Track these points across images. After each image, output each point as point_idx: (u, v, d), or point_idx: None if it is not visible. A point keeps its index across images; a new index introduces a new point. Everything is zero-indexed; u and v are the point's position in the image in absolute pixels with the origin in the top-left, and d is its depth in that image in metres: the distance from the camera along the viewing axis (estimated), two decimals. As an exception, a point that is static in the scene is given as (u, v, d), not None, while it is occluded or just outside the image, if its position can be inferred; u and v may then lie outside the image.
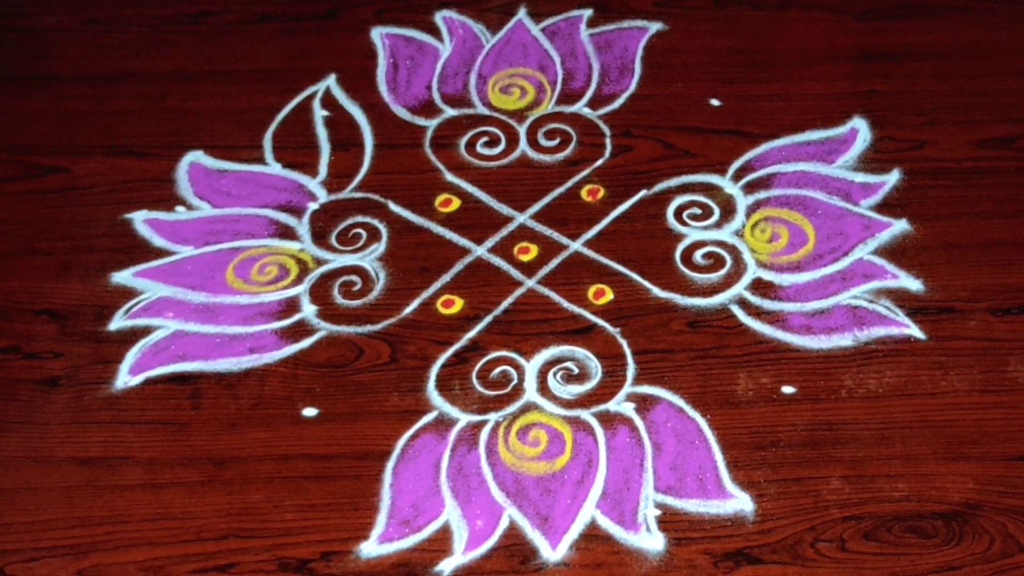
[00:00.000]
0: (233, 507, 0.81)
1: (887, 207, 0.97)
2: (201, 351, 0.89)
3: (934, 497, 0.81)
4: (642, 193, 0.98)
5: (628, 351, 0.89)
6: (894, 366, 0.87)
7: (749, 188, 0.98)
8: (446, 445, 0.84)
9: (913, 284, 0.92)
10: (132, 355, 0.89)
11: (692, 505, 0.81)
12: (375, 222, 0.97)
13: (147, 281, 0.93)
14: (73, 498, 0.82)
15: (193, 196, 0.99)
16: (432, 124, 1.04)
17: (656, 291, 0.92)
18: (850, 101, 1.04)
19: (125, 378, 0.88)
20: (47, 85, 1.07)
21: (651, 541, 0.79)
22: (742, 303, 0.91)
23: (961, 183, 0.98)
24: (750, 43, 1.09)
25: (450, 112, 1.05)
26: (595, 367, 0.88)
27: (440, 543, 0.79)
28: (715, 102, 1.05)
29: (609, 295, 0.92)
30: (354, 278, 0.93)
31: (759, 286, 0.92)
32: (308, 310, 0.91)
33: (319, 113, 1.04)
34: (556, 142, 1.02)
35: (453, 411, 0.86)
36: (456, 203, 0.98)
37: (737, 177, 0.99)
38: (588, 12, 1.12)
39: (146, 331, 0.90)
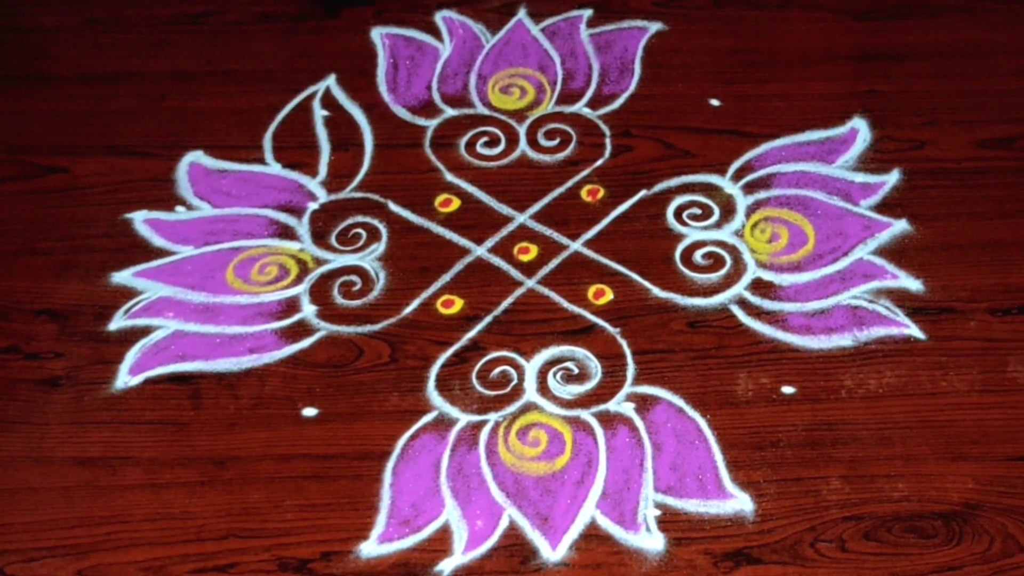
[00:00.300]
0: (233, 507, 0.81)
1: (887, 207, 0.97)
2: (201, 351, 0.89)
3: (934, 497, 0.81)
4: (642, 193, 0.98)
5: (628, 351, 0.89)
6: (894, 366, 0.87)
7: (749, 188, 0.98)
8: (446, 445, 0.84)
9: (913, 284, 0.92)
10: (132, 355, 0.89)
11: (692, 505, 0.81)
12: (375, 222, 0.97)
13: (147, 281, 0.93)
14: (73, 498, 0.82)
15: (193, 196, 0.99)
16: (432, 124, 1.04)
17: (656, 291, 0.92)
18: (850, 101, 1.04)
19: (125, 378, 0.88)
20: (47, 85, 1.07)
21: (651, 541, 0.79)
22: (742, 303, 0.91)
23: (961, 183, 0.98)
24: (750, 43, 1.09)
25: (450, 112, 1.05)
26: (595, 367, 0.88)
27: (440, 543, 0.79)
28: (715, 102, 1.05)
29: (609, 295, 0.92)
30: (354, 278, 0.93)
31: (759, 286, 0.92)
32: (308, 310, 0.91)
33: (319, 113, 1.04)
34: (556, 142, 1.02)
35: (453, 411, 0.86)
36: (456, 203, 0.98)
37: (737, 177, 0.99)
38: (588, 12, 1.12)
39: (146, 331, 0.90)
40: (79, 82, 1.07)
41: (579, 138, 1.02)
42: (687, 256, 0.94)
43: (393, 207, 0.98)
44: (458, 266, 0.94)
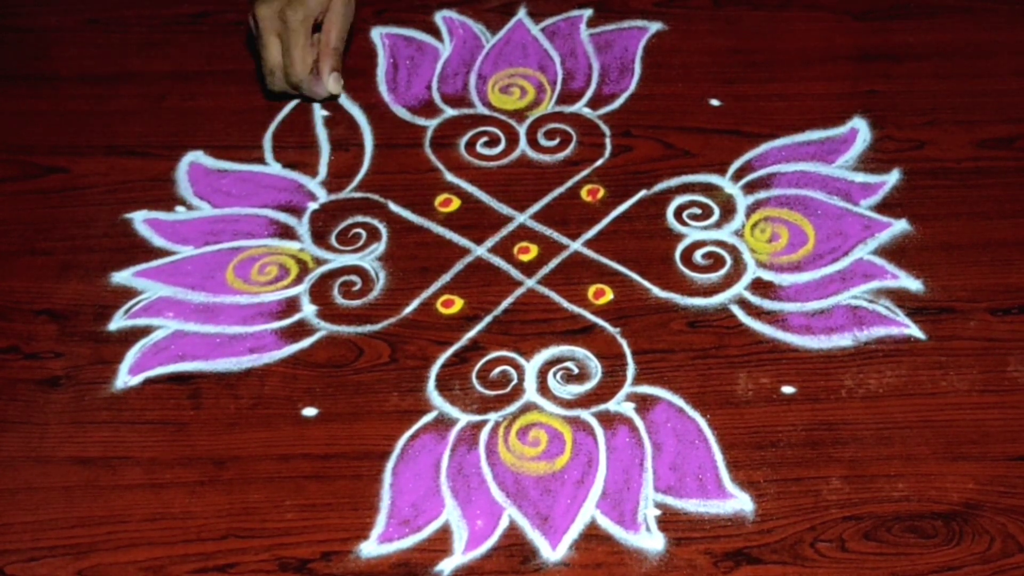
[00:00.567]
0: (233, 507, 0.81)
1: (887, 207, 0.97)
2: (201, 351, 0.89)
3: (934, 497, 0.81)
4: (642, 193, 0.98)
5: (628, 351, 0.89)
6: (894, 366, 0.87)
7: (749, 188, 0.98)
8: (446, 445, 0.84)
9: (913, 284, 0.92)
10: (132, 355, 0.89)
11: (692, 505, 0.81)
12: (375, 222, 0.97)
13: (147, 281, 0.93)
14: (73, 498, 0.82)
15: (193, 196, 0.99)
16: (432, 124, 1.04)
17: (656, 291, 0.92)
18: (850, 101, 1.04)
19: (125, 378, 0.88)
20: (47, 85, 1.07)
21: (651, 541, 0.79)
22: (742, 303, 0.91)
23: (961, 183, 0.98)
24: (750, 43, 1.09)
25: (450, 112, 1.05)
26: (595, 367, 0.88)
27: (440, 543, 0.79)
28: (715, 102, 1.05)
29: (609, 295, 0.92)
30: (354, 278, 0.93)
31: (759, 286, 0.92)
32: (308, 310, 0.91)
33: (319, 113, 1.05)
34: (556, 142, 1.02)
35: (453, 411, 0.86)
36: (456, 203, 0.98)
37: (737, 177, 0.99)
38: (588, 12, 1.12)
39: (146, 331, 0.90)
40: (79, 82, 1.07)
41: (579, 138, 1.02)
42: (687, 256, 0.94)
43: (393, 207, 0.98)
44: (458, 266, 0.94)
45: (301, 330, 0.90)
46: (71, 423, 0.85)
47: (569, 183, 0.99)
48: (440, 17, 1.12)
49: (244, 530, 0.80)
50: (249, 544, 0.80)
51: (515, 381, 0.87)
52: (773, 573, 0.78)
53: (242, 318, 0.91)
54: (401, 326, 0.91)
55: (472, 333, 0.90)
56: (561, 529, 0.80)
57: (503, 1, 1.13)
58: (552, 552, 0.79)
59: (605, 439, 0.84)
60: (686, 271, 0.93)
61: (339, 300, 0.92)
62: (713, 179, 0.99)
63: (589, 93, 1.06)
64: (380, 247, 0.95)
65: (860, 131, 1.02)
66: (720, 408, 0.85)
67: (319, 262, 0.95)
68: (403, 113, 1.05)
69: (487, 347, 0.89)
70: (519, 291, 0.92)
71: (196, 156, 1.01)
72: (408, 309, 0.91)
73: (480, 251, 0.95)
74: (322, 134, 1.03)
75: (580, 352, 0.89)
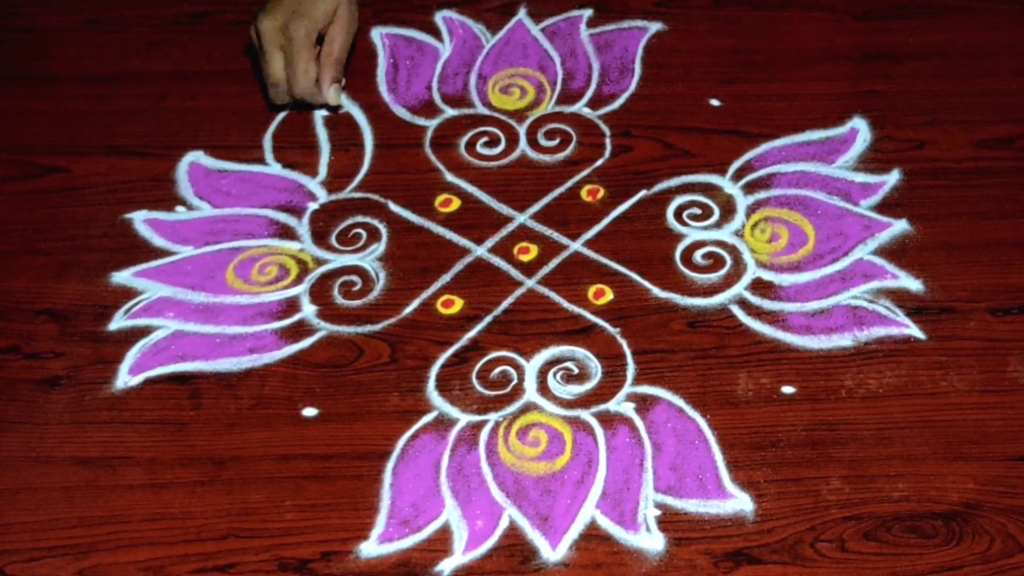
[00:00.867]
0: (233, 507, 0.81)
1: (887, 207, 0.97)
2: (201, 351, 0.89)
3: (934, 497, 0.81)
4: (642, 193, 0.98)
5: (628, 351, 0.89)
6: (894, 366, 0.87)
7: (749, 188, 0.98)
8: (446, 445, 0.84)
9: (913, 284, 0.92)
10: (132, 355, 0.89)
11: (692, 505, 0.81)
12: (375, 222, 0.97)
13: (147, 281, 0.93)
14: (73, 498, 0.82)
15: (193, 196, 0.99)
16: (432, 124, 1.04)
17: (656, 291, 0.92)
18: (850, 101, 1.04)
19: (125, 378, 0.88)
20: (47, 85, 1.07)
21: (651, 541, 0.79)
22: (742, 303, 0.91)
23: (961, 183, 0.98)
24: (750, 43, 1.09)
25: (450, 112, 1.05)
26: (595, 367, 0.88)
27: (440, 543, 0.79)
28: (715, 102, 1.05)
29: (609, 295, 0.92)
30: (354, 278, 0.93)
31: (759, 286, 0.92)
32: (308, 310, 0.91)
33: (319, 113, 1.04)
34: (556, 142, 1.02)
35: (453, 411, 0.86)
36: (456, 203, 0.98)
37: (737, 177, 0.99)
38: (588, 12, 1.12)
39: (146, 331, 0.90)
40: (79, 82, 1.07)
41: (579, 138, 1.02)
42: (687, 256, 0.94)
43: (393, 207, 0.98)
44: (458, 266, 0.94)
45: (301, 330, 0.90)
46: (71, 423, 0.85)
47: (569, 183, 0.99)
48: (440, 17, 1.12)
49: (244, 530, 0.80)
50: (249, 544, 0.80)
51: (515, 381, 0.87)
52: (773, 573, 0.78)
53: (242, 318, 0.91)
54: (401, 326, 0.91)
55: (472, 333, 0.90)
56: (561, 529, 0.80)
57: (503, 1, 1.13)
58: (552, 552, 0.79)
59: (605, 439, 0.84)
60: (686, 271, 0.93)
61: (339, 300, 0.92)
62: (713, 179, 0.99)
63: (589, 93, 1.06)
64: (380, 247, 0.95)
65: (860, 131, 1.02)
66: (720, 408, 0.85)
67: (319, 262, 0.95)
68: (403, 113, 1.05)
69: (487, 347, 0.89)
70: (519, 291, 0.92)
71: (196, 156, 1.01)
72: (408, 309, 0.91)
73: (480, 251, 0.95)
74: (322, 134, 1.03)
75: (580, 352, 0.89)
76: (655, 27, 1.11)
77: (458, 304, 0.92)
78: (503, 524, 0.80)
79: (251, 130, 1.03)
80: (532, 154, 1.01)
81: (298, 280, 0.93)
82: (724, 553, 0.79)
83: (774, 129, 1.02)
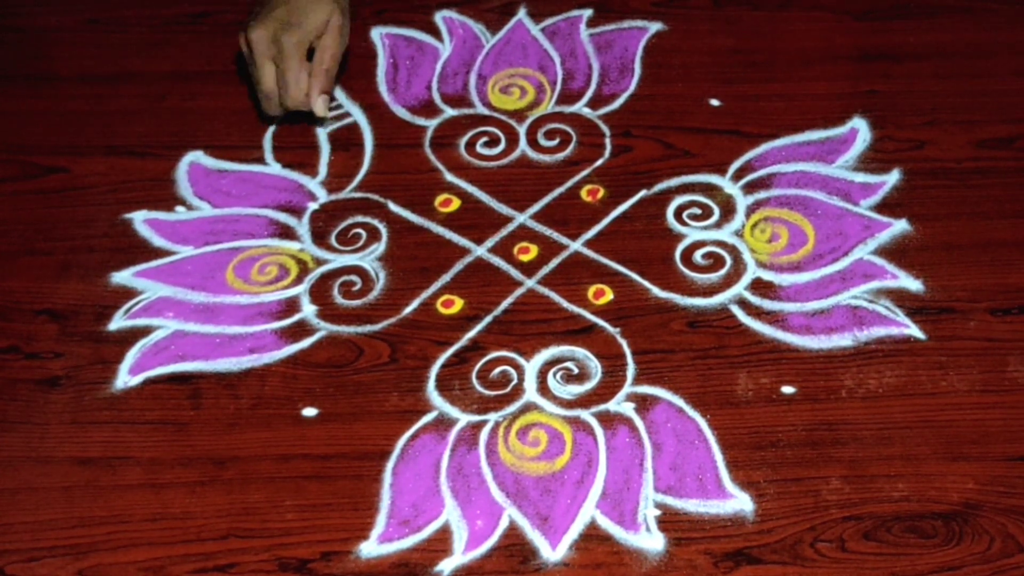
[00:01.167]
0: (233, 507, 0.81)
1: (887, 207, 0.97)
2: (201, 351, 0.89)
3: (934, 497, 0.81)
4: (642, 193, 0.98)
5: (628, 351, 0.89)
6: (894, 366, 0.87)
7: (749, 188, 0.98)
8: (446, 445, 0.84)
9: (913, 284, 0.92)
10: (132, 355, 0.89)
11: (692, 505, 0.81)
12: (375, 222, 0.97)
13: (147, 281, 0.93)
14: (73, 498, 0.82)
15: (193, 196, 0.99)
16: (432, 124, 1.04)
17: (656, 291, 0.92)
18: (850, 101, 1.04)
19: (125, 378, 0.88)
20: (47, 85, 1.07)
21: (651, 541, 0.79)
22: (742, 303, 0.91)
23: (961, 183, 0.98)
24: (750, 43, 1.09)
25: (450, 112, 1.05)
26: (595, 367, 0.88)
27: (440, 543, 0.79)
28: (715, 102, 1.05)
29: (609, 295, 0.92)
30: (354, 278, 0.93)
31: (759, 286, 0.92)
32: (308, 310, 0.91)
33: (319, 113, 1.04)
34: (556, 142, 1.02)
35: (453, 411, 0.86)
36: (456, 203, 0.98)
37: (737, 177, 0.99)
38: (588, 12, 1.12)
39: (146, 331, 0.90)
40: (79, 82, 1.07)
41: (579, 138, 1.02)
42: (687, 256, 0.94)
43: (393, 207, 0.98)
44: (458, 266, 0.94)
45: (301, 330, 0.90)
46: (71, 423, 0.85)
47: (569, 183, 0.99)
48: (440, 17, 1.12)
49: (244, 530, 0.80)
50: (249, 544, 0.80)
51: (515, 381, 0.87)
52: (773, 573, 0.78)
53: (242, 318, 0.91)
54: (401, 326, 0.91)
55: (472, 333, 0.90)
56: (561, 529, 0.80)
57: (503, 1, 1.13)
58: (552, 552, 0.79)
59: (605, 439, 0.84)
60: (686, 271, 0.93)
61: (339, 300, 0.92)
62: (713, 179, 0.99)
63: (589, 93, 1.06)
64: (380, 247, 0.95)
65: (860, 131, 1.02)
66: (720, 408, 0.85)
67: (319, 262, 0.95)
68: (403, 113, 1.05)
69: (487, 347, 0.89)
70: (519, 291, 0.92)
71: (196, 156, 1.01)
72: (408, 309, 0.91)
73: (480, 251, 0.95)
74: (322, 134, 1.03)
75: (580, 352, 0.89)
76: (655, 27, 1.11)
77: (458, 304, 0.92)
78: (503, 524, 0.80)
79: (251, 130, 1.03)
80: (532, 154, 1.01)
81: (298, 280, 0.93)
82: (724, 553, 0.79)
83: (774, 129, 1.02)
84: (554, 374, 0.87)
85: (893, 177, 0.99)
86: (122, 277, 0.93)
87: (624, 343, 0.89)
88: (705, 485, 0.82)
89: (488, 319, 0.91)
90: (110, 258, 0.95)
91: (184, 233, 0.96)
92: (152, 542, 0.80)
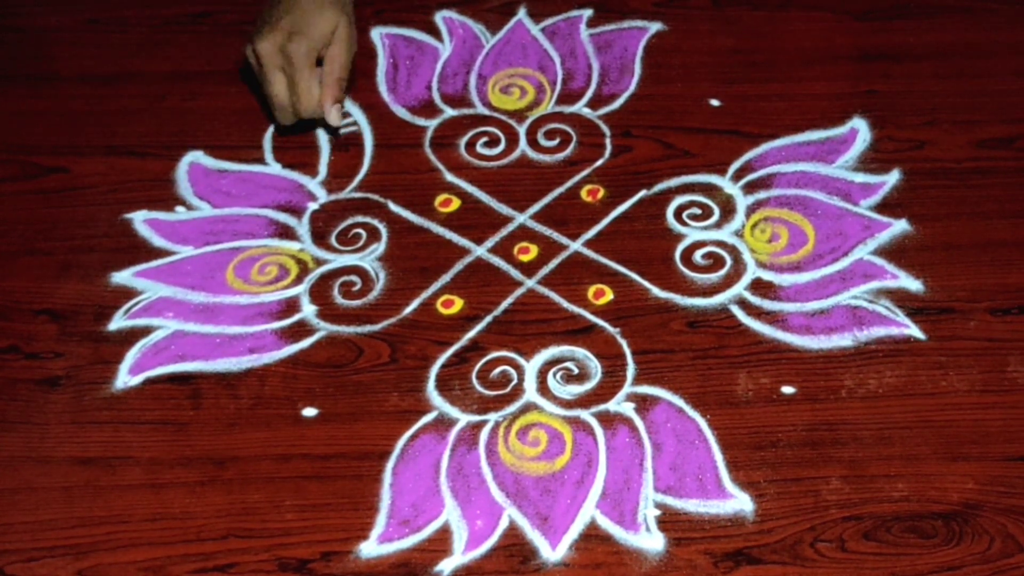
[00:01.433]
0: (233, 507, 0.81)
1: (887, 207, 0.97)
2: (201, 351, 0.89)
3: (934, 497, 0.81)
4: (642, 193, 0.98)
5: (628, 351, 0.89)
6: (894, 366, 0.87)
7: (749, 188, 0.98)
8: (446, 445, 0.84)
9: (913, 284, 0.92)
10: (132, 355, 0.89)
11: (692, 505, 0.81)
12: (375, 222, 0.97)
13: (147, 281, 0.93)
14: (73, 498, 0.82)
15: (193, 196, 0.99)
16: (432, 124, 1.04)
17: (656, 291, 0.92)
18: (850, 101, 1.04)
19: (125, 378, 0.88)
20: (47, 85, 1.07)
21: (651, 541, 0.79)
22: (742, 303, 0.91)
23: (961, 183, 0.98)
24: (750, 43, 1.09)
25: (450, 112, 1.05)
26: (595, 367, 0.88)
27: (440, 543, 0.80)
28: (715, 102, 1.05)
29: (609, 295, 0.92)
30: (354, 278, 0.93)
31: (759, 286, 0.92)
32: (308, 310, 0.91)
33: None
34: (556, 142, 1.02)
35: (453, 411, 0.86)
36: (456, 203, 0.98)
37: (737, 177, 0.99)
38: (588, 12, 1.12)
39: (146, 331, 0.90)
40: (79, 82, 1.07)
41: (579, 138, 1.02)
42: (687, 256, 0.94)
43: (393, 207, 0.98)
44: (458, 266, 0.94)
45: (301, 330, 0.90)
46: (71, 423, 0.85)
47: (569, 183, 0.99)
48: (440, 17, 1.12)
49: (244, 530, 0.80)
50: (249, 544, 0.80)
51: (515, 381, 0.87)
52: (773, 573, 0.78)
53: (242, 318, 0.91)
54: (401, 326, 0.91)
55: (472, 333, 0.90)
56: (561, 529, 0.80)
57: (503, 1, 1.13)
58: (552, 552, 0.79)
59: (605, 439, 0.84)
60: (686, 271, 0.93)
61: (339, 300, 0.92)
62: (713, 179, 0.99)
63: (589, 93, 1.06)
64: (380, 247, 0.95)
65: (860, 131, 1.02)
66: (720, 408, 0.85)
67: (319, 262, 0.95)
68: (403, 113, 1.05)
69: (487, 347, 0.89)
70: (519, 291, 0.92)
71: (196, 156, 1.01)
72: (408, 309, 0.91)
73: (480, 251, 0.95)
74: (322, 134, 1.03)
75: (580, 352, 0.89)
76: (655, 27, 1.11)
77: (458, 304, 0.92)
78: (503, 524, 0.80)
79: (251, 130, 1.03)
80: (532, 154, 1.01)
81: (298, 280, 0.93)
82: (724, 553, 0.79)
83: (774, 129, 1.02)
84: (554, 374, 0.87)
85: (893, 177, 0.99)
86: (122, 277, 0.93)
87: (624, 343, 0.89)
88: (705, 485, 0.82)
89: (488, 319, 0.91)
90: (110, 258, 0.95)
91: (184, 233, 0.96)
92: (152, 542, 0.80)
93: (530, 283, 0.93)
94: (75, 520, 0.81)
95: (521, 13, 1.12)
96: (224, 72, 1.07)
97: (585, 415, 0.85)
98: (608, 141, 1.02)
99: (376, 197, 0.99)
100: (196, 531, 0.80)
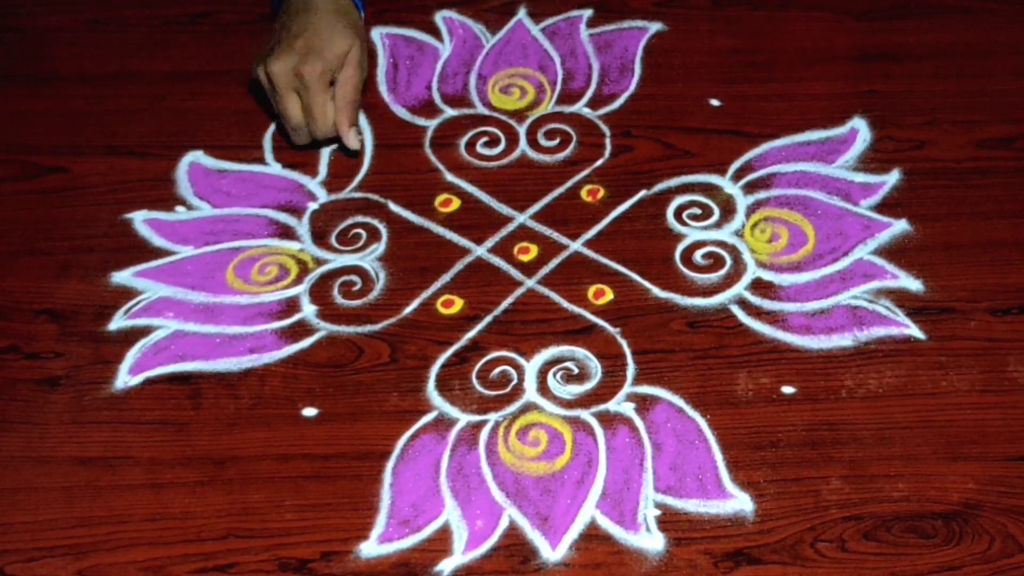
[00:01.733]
0: (233, 507, 0.81)
1: (887, 207, 0.97)
2: (201, 351, 0.89)
3: (934, 497, 0.81)
4: (642, 193, 0.98)
5: (628, 351, 0.89)
6: (894, 366, 0.87)
7: (749, 188, 0.98)
8: (446, 445, 0.84)
9: (913, 284, 0.92)
10: (132, 355, 0.89)
11: (692, 505, 0.81)
12: (375, 222, 0.97)
13: (147, 281, 0.93)
14: (73, 498, 0.82)
15: (193, 196, 0.99)
16: (432, 124, 1.04)
17: (656, 291, 0.92)
18: (850, 101, 1.04)
19: (125, 378, 0.88)
20: (47, 85, 1.07)
21: (651, 541, 0.79)
22: (742, 303, 0.91)
23: (961, 183, 0.98)
24: (750, 43, 1.09)
25: (450, 112, 1.05)
26: (595, 367, 0.88)
27: (440, 543, 0.80)
28: (715, 102, 1.05)
29: (609, 295, 0.92)
30: (354, 278, 0.93)
31: (759, 286, 0.92)
32: (308, 310, 0.91)
33: (319, 113, 1.04)
34: (556, 142, 1.02)
35: (453, 411, 0.86)
36: (456, 203, 0.98)
37: (737, 177, 0.99)
38: (588, 12, 1.12)
39: (146, 331, 0.90)
40: (79, 82, 1.07)
41: (579, 138, 1.02)
42: (687, 256, 0.94)
43: (393, 207, 0.98)
44: (458, 266, 0.94)
45: (301, 330, 0.90)
46: (71, 423, 0.85)
47: (569, 183, 0.99)
48: (440, 17, 1.12)
49: (244, 530, 0.80)
50: (249, 544, 0.80)
51: (515, 381, 0.87)
52: (773, 573, 0.78)
53: (242, 318, 0.91)
54: (401, 326, 0.91)
55: (472, 333, 0.90)
56: (561, 529, 0.80)
57: (503, 1, 1.13)
58: (552, 552, 0.79)
59: (605, 439, 0.84)
60: (686, 271, 0.93)
61: (339, 300, 0.92)
62: (713, 179, 0.99)
63: (589, 93, 1.06)
64: (380, 247, 0.95)
65: (860, 131, 1.02)
66: (720, 408, 0.85)
67: (319, 262, 0.95)
68: (403, 113, 1.05)
69: (487, 347, 0.89)
70: (519, 291, 0.92)
71: (196, 156, 1.01)
72: (408, 309, 0.91)
73: (480, 251, 0.95)
74: (322, 134, 1.03)
75: (580, 352, 0.89)
76: (655, 27, 1.11)
77: (458, 304, 0.92)
78: (503, 524, 0.80)
79: (251, 130, 1.03)
80: (532, 154, 1.01)
81: (298, 280, 0.93)
82: (724, 553, 0.79)
83: (774, 129, 1.02)
84: (554, 374, 0.87)
85: (893, 177, 0.99)
86: (122, 277, 0.93)
87: (624, 343, 0.89)
88: (705, 485, 0.82)
89: (488, 319, 0.91)
90: (110, 258, 0.95)
91: (184, 233, 0.96)
92: (152, 542, 0.80)
93: (530, 283, 0.93)
94: (75, 520, 0.81)
95: (521, 13, 1.12)
96: (224, 72, 1.07)
97: (585, 415, 0.85)
98: (608, 141, 1.02)
99: (376, 197, 0.99)
100: (196, 531, 0.80)
